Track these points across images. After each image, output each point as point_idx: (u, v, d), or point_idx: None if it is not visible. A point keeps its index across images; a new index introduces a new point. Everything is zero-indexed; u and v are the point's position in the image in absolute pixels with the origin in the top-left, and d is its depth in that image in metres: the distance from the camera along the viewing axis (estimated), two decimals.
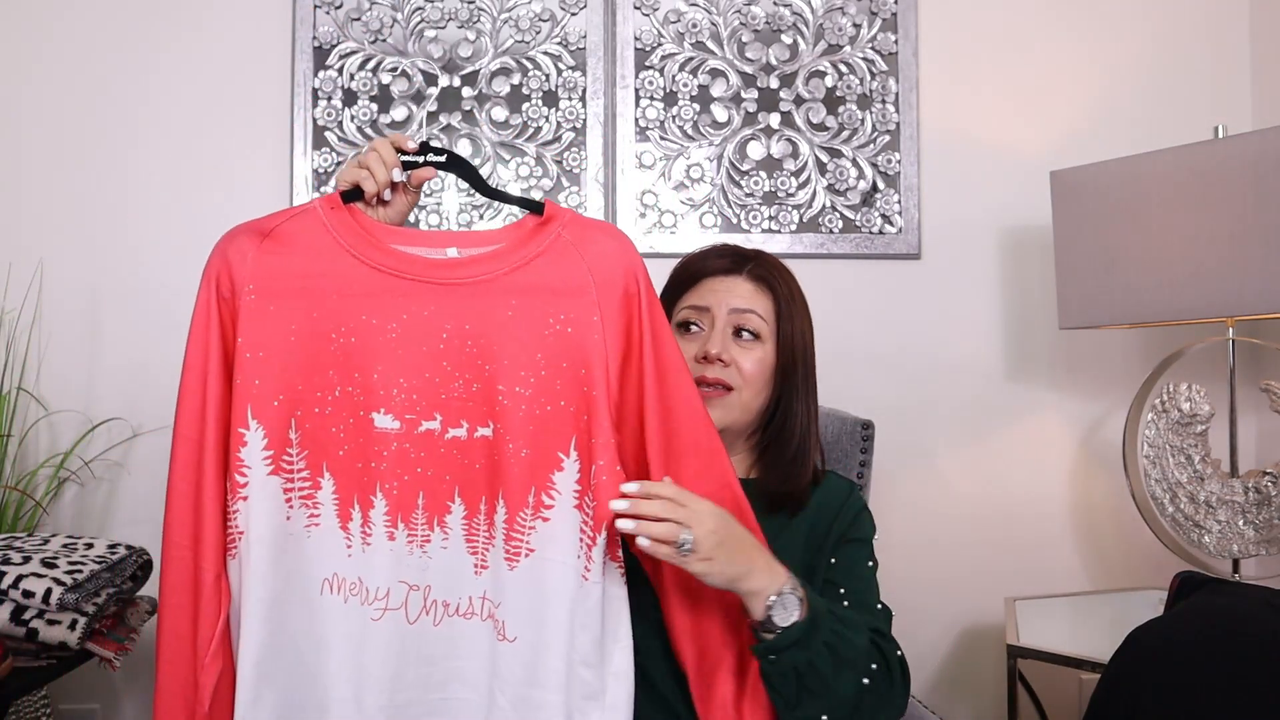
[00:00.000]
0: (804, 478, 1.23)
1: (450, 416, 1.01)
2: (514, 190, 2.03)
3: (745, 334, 1.23)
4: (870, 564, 1.20)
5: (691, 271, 1.28)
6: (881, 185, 2.07)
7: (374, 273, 1.02)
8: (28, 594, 1.31)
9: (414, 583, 1.01)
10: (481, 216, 2.01)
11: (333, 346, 1.00)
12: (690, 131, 2.06)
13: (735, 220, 2.06)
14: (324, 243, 1.02)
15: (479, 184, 1.14)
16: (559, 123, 2.04)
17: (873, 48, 2.08)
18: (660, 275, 1.23)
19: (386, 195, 1.08)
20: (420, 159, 1.09)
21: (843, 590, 1.15)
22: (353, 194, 1.06)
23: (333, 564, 1.00)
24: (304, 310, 1.00)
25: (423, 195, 1.97)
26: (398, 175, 1.07)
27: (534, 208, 1.07)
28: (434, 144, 1.10)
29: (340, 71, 2.02)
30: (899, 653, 1.10)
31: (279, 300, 1.00)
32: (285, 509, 0.99)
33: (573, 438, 1.01)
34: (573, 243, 1.05)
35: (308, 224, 1.03)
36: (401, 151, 1.08)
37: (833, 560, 1.19)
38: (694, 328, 1.25)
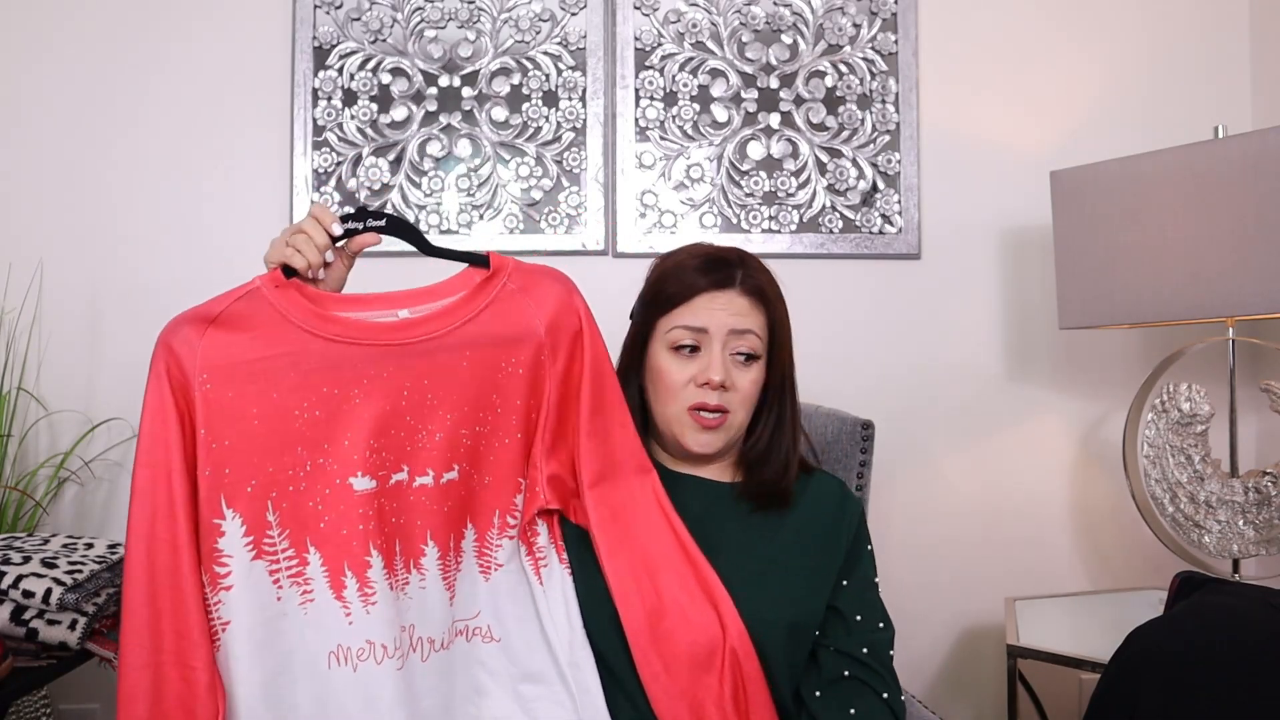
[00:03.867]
0: (764, 471, 1.22)
1: (417, 466, 1.05)
2: (515, 190, 2.03)
3: (743, 355, 1.18)
4: (875, 580, 1.21)
5: (682, 285, 1.19)
6: (881, 185, 2.07)
7: (330, 344, 1.02)
8: (28, 594, 1.31)
9: (401, 623, 1.03)
10: (481, 217, 2.01)
11: (298, 424, 1.01)
12: (690, 131, 2.06)
13: (735, 220, 2.06)
14: (274, 322, 1.02)
15: (422, 244, 1.13)
16: (559, 123, 2.04)
17: (873, 48, 2.08)
18: None
19: (321, 274, 1.08)
20: (360, 225, 1.08)
21: (859, 618, 1.17)
22: (293, 269, 1.05)
23: (336, 636, 1.00)
24: (263, 392, 1.00)
25: (424, 195, 1.99)
26: (329, 256, 1.08)
27: (480, 262, 1.11)
28: (371, 208, 1.10)
29: (340, 71, 2.02)
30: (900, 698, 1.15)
31: (236, 386, 0.99)
32: (275, 590, 0.99)
33: (525, 464, 1.12)
34: (519, 290, 1.11)
35: (255, 305, 1.02)
36: (346, 218, 1.08)
37: (844, 583, 1.19)
38: (690, 350, 1.18)
